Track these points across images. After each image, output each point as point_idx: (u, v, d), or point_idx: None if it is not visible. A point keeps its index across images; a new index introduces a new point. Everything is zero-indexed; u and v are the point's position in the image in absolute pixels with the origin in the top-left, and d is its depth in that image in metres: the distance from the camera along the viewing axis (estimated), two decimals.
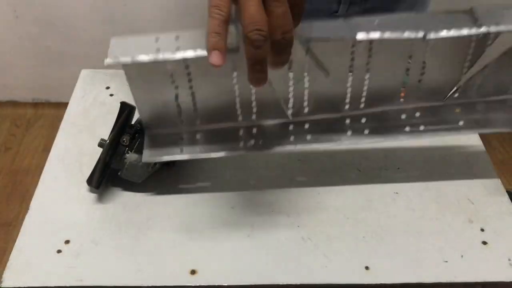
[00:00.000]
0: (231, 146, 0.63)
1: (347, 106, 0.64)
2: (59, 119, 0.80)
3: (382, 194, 0.70)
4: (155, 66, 0.55)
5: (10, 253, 0.61)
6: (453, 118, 0.65)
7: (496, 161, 0.76)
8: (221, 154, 0.63)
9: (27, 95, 1.98)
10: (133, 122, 0.70)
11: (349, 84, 0.61)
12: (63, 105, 0.83)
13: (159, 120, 0.63)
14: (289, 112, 0.64)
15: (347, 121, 0.65)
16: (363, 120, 0.65)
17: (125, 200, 0.68)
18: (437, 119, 0.65)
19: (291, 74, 0.59)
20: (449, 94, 0.64)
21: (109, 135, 0.66)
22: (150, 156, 0.63)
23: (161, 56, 0.54)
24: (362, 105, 0.63)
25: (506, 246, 0.64)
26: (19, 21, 1.75)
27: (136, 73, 0.57)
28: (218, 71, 0.49)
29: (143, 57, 0.54)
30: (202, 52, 0.53)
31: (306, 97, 0.62)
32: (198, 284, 0.60)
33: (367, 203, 0.69)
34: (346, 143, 0.64)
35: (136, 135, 0.67)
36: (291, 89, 0.61)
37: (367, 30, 0.55)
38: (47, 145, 1.80)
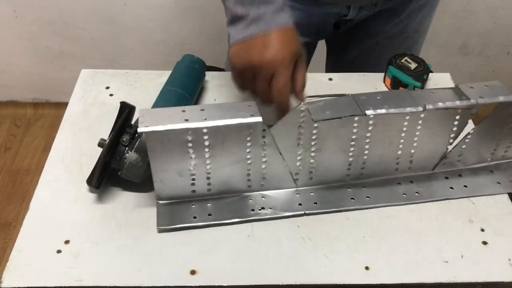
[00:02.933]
0: (241, 214, 0.66)
1: (348, 176, 0.69)
2: (59, 119, 0.80)
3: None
4: (178, 135, 0.59)
5: (10, 253, 0.61)
6: (443, 185, 0.71)
7: None
8: (233, 221, 0.65)
9: (27, 95, 1.98)
10: (133, 122, 0.70)
11: (351, 154, 0.66)
12: (63, 105, 0.83)
13: (173, 189, 0.65)
14: (296, 181, 0.68)
15: (349, 189, 0.69)
16: (364, 188, 0.70)
17: (125, 200, 0.68)
18: (429, 187, 0.71)
19: (300, 146, 0.64)
20: (437, 164, 0.71)
21: (109, 135, 0.66)
22: (164, 223, 0.64)
23: (193, 125, 0.59)
24: (362, 175, 0.69)
25: (506, 246, 0.64)
26: (19, 21, 1.75)
27: (158, 142, 0.59)
28: (235, 141, 0.60)
29: (175, 126, 0.59)
30: (228, 122, 0.59)
31: (312, 166, 0.67)
32: (198, 284, 0.60)
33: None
34: (351, 208, 0.67)
35: (136, 135, 0.67)
36: (299, 158, 0.65)
37: (373, 106, 0.63)
38: (47, 145, 1.79)
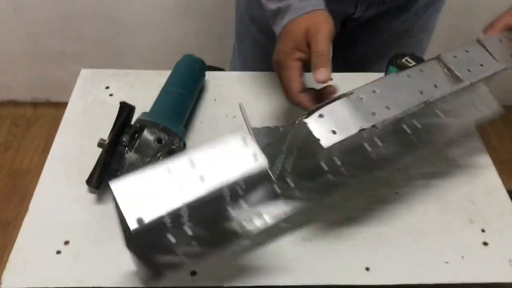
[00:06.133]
0: (232, 239, 0.57)
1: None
2: (59, 119, 0.80)
3: (382, 195, 0.70)
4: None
5: (10, 253, 0.61)
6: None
7: (496, 161, 0.76)
8: (227, 248, 0.57)
9: (27, 95, 1.98)
10: (132, 122, 0.69)
11: None
12: (63, 105, 0.82)
13: (149, 237, 0.54)
14: (274, 175, 0.60)
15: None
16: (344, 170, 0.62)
17: None
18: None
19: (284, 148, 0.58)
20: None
21: (109, 135, 0.66)
22: (148, 281, 0.56)
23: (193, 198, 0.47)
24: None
25: (506, 247, 0.64)
26: (19, 21, 1.75)
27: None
28: None
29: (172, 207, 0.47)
30: (232, 178, 0.49)
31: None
32: (198, 285, 0.59)
33: (367, 204, 0.69)
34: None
35: (136, 135, 0.67)
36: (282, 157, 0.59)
37: (376, 108, 0.55)
38: (47, 145, 1.80)
